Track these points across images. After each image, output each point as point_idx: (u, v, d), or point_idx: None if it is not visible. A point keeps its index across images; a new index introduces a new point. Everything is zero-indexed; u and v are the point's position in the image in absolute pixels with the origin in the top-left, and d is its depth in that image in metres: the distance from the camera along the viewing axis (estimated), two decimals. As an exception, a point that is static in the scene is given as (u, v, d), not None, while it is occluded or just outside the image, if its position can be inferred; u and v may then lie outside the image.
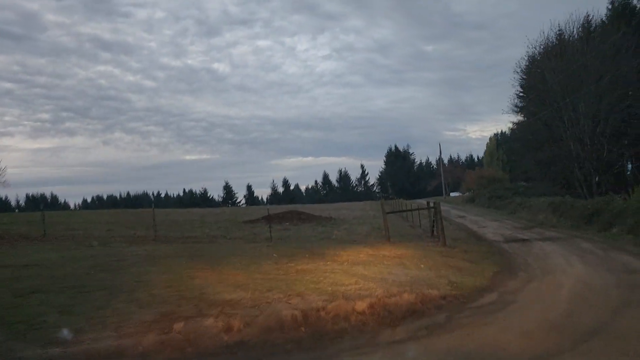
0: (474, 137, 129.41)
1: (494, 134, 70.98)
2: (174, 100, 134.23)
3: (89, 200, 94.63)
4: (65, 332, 5.76)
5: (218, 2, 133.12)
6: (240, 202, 77.82)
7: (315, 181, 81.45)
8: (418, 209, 21.14)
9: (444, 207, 43.98)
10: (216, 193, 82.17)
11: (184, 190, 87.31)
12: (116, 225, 23.53)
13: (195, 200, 77.06)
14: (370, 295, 7.88)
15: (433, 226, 18.11)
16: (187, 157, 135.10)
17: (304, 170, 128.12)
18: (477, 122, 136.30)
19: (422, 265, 11.58)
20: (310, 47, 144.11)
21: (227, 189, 79.53)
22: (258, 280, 8.45)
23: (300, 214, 25.37)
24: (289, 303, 7.00)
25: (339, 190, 75.87)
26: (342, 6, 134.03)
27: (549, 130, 35.98)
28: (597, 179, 33.18)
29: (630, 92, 31.65)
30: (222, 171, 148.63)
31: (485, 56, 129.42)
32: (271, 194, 79.80)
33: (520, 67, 37.59)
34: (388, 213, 18.35)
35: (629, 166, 35.62)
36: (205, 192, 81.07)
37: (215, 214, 32.68)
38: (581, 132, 33.56)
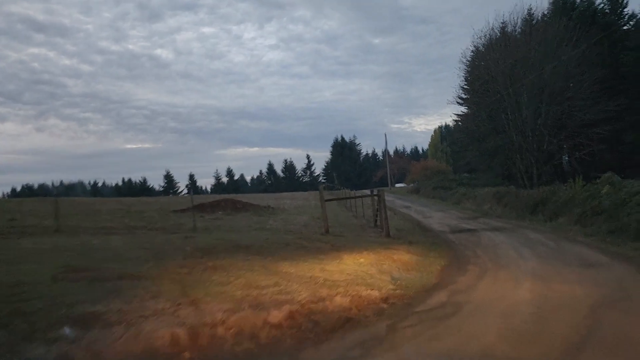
0: (419, 130, 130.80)
1: (439, 127, 71.31)
2: (113, 87, 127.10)
3: (18, 189, 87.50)
4: None
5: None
6: (181, 191, 74.42)
7: (260, 171, 79.16)
8: (362, 197, 19.58)
9: (388, 198, 43.03)
10: (157, 182, 78.34)
11: (123, 179, 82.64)
12: (25, 215, 20.56)
13: (133, 189, 72.90)
14: (291, 301, 6.08)
15: (376, 216, 16.59)
16: (128, 146, 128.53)
17: (250, 160, 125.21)
18: (423, 115, 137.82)
19: (361, 260, 9.92)
20: (257, 35, 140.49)
21: (168, 178, 75.90)
22: (148, 282, 6.44)
23: (236, 202, 23.31)
24: (176, 316, 5.07)
25: (284, 180, 73.90)
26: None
27: (492, 122, 35.58)
28: (537, 170, 33.02)
29: (570, 84, 31.51)
30: (166, 161, 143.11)
31: (431, 50, 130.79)
32: (215, 183, 76.90)
33: (465, 57, 36.95)
34: (327, 200, 16.66)
35: (566, 158, 35.86)
36: (144, 181, 77.08)
37: (146, 203, 29.91)
38: (523, 124, 33.27)
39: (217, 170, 79.91)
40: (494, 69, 34.19)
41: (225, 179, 77.29)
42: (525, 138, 33.28)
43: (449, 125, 68.47)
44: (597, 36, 32.28)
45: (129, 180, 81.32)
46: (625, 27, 35.69)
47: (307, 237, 13.01)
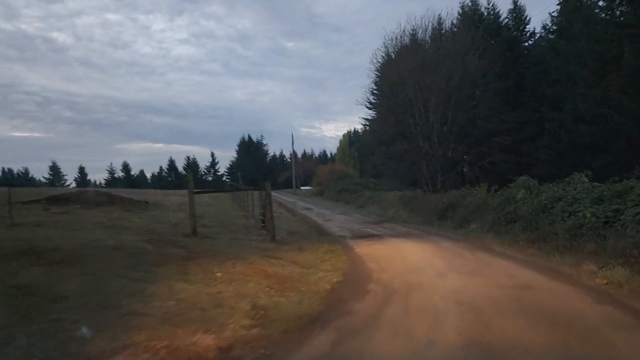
0: (328, 135, 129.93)
1: (347, 132, 70.01)
2: (1, 68, 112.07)
3: None
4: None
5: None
6: (69, 184, 66.18)
7: (161, 167, 72.81)
8: (239, 190, 16.26)
9: (291, 199, 40.22)
10: (43, 174, 69.26)
11: (3, 169, 72.21)
12: None
13: (13, 180, 63.53)
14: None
15: (264, 216, 13.41)
16: (15, 134, 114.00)
17: (154, 157, 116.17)
18: (333, 121, 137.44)
19: (218, 274, 6.65)
20: (167, 28, 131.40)
21: (55, 170, 67.14)
22: None
23: (104, 195, 19.01)
24: None
25: (186, 178, 68.18)
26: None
27: (400, 126, 34.01)
28: (441, 176, 31.87)
29: (477, 92, 30.73)
30: (59, 152, 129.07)
31: (343, 58, 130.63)
32: (109, 178, 69.39)
33: (376, 59, 35.06)
34: (197, 192, 13.22)
35: (467, 166, 35.29)
36: (26, 172, 67.66)
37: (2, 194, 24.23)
38: (430, 130, 31.98)
39: (111, 163, 72.25)
40: (403, 73, 32.70)
41: (121, 174, 70.23)
42: (431, 144, 32.01)
43: (357, 130, 67.42)
44: (501, 49, 31.96)
45: (10, 170, 71.23)
46: (526, 44, 35.98)
47: (164, 240, 9.47)
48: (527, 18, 35.94)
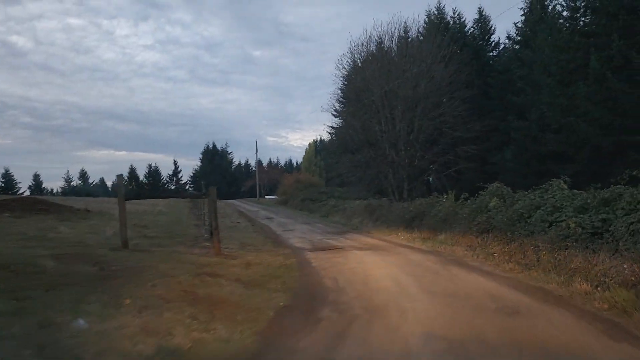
0: (295, 144, 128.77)
1: (314, 140, 68.75)
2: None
3: None
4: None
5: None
6: (23, 192, 62.30)
7: (121, 175, 68.86)
8: (178, 197, 14.57)
9: (253, 208, 38.46)
10: None
11: None
12: None
13: None
14: None
15: (211, 226, 11.83)
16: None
17: (116, 165, 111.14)
18: (299, 130, 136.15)
19: (128, 300, 5.09)
20: (131, 34, 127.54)
21: (7, 177, 63.07)
22: None
23: (39, 203, 16.98)
24: None
25: (147, 186, 65.59)
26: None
27: (365, 133, 32.99)
28: (407, 185, 30.93)
29: (444, 100, 30.02)
30: (16, 158, 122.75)
31: (310, 68, 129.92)
32: (65, 186, 65.77)
33: (342, 65, 33.98)
34: (128, 200, 11.53)
35: (431, 177, 34.53)
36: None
37: None
38: (396, 137, 31.08)
39: (68, 171, 68.64)
40: (370, 80, 31.79)
41: (78, 182, 66.73)
42: (397, 152, 31.09)
43: (324, 139, 66.29)
44: (467, 58, 31.50)
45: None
46: (491, 54, 35.78)
47: (80, 255, 7.81)
48: (492, 28, 35.75)
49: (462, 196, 13.73)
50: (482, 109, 31.66)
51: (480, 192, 13.01)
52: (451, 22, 35.56)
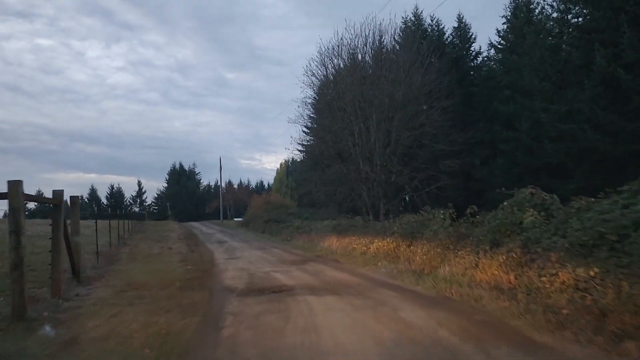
0: (269, 167, 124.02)
1: (285, 161, 64.12)
2: None
3: None
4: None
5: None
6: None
7: (81, 197, 62.99)
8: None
9: (210, 230, 33.17)
10: None
11: None
12: None
13: None
14: None
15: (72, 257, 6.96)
16: None
17: (85, 187, 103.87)
18: (273, 153, 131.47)
19: None
20: (103, 55, 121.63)
21: (-52, 198, 56.15)
22: None
23: None
24: None
25: (108, 207, 59.47)
26: (142, 18, 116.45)
27: (338, 146, 28.55)
28: (384, 204, 26.52)
29: (425, 107, 25.95)
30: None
31: (284, 91, 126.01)
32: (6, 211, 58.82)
33: (311, 70, 29.54)
34: None
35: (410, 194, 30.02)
36: None
37: None
38: (371, 151, 26.72)
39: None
40: (341, 87, 27.59)
41: (32, 205, 60.12)
42: (372, 167, 26.72)
43: (295, 160, 61.70)
44: (447, 67, 27.68)
45: None
46: (471, 64, 32.23)
47: None
48: (473, 36, 32.25)
49: (468, 211, 9.22)
50: (465, 120, 27.84)
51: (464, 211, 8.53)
52: (429, 30, 32.06)
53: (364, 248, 11.89)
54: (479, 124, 27.85)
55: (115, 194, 62.60)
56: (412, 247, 9.73)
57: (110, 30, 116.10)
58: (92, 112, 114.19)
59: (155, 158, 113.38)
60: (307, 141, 35.45)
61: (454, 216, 9.76)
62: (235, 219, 54.27)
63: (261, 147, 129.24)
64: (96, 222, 11.61)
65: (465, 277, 7.30)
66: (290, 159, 62.97)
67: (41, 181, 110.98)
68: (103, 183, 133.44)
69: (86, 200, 62.60)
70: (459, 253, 8.16)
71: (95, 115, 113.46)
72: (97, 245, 9.99)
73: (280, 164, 64.68)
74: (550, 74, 22.09)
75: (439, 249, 8.74)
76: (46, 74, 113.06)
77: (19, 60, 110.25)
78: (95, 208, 61.73)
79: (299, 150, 36.44)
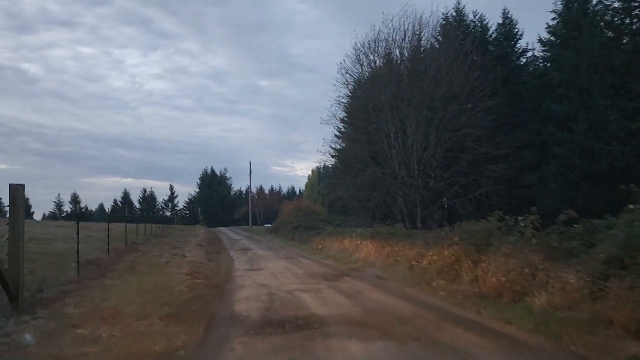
0: (301, 174, 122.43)
1: (317, 167, 62.00)
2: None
3: None
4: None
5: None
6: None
7: (115, 200, 62.98)
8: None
9: (237, 236, 31.17)
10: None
11: None
12: None
13: None
14: None
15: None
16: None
17: (122, 191, 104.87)
18: (305, 160, 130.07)
19: None
20: (141, 62, 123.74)
21: (-8, 198, 56.95)
22: None
23: None
24: None
25: (140, 211, 58.80)
26: (179, 27, 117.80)
27: (372, 149, 26.03)
28: (421, 211, 23.83)
29: (469, 105, 23.22)
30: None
31: (315, 98, 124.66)
32: (55, 210, 59.15)
33: (345, 69, 27.18)
34: None
35: (454, 201, 27.05)
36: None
37: None
38: (408, 154, 24.09)
39: (59, 195, 62.13)
40: (377, 85, 25.18)
41: (69, 207, 60.16)
42: (409, 171, 24.10)
43: (327, 166, 59.46)
44: (491, 65, 24.89)
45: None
46: (518, 62, 29.20)
47: None
48: (519, 32, 29.25)
49: (561, 218, 6.66)
50: (511, 121, 24.96)
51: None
52: (471, 26, 29.31)
53: (414, 262, 9.40)
54: (527, 125, 24.92)
55: (148, 198, 61.98)
56: (482, 264, 7.20)
57: (148, 38, 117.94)
58: (130, 118, 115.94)
59: (188, 163, 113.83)
60: (339, 145, 33.10)
61: (538, 224, 7.20)
62: (265, 225, 52.45)
63: (293, 153, 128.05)
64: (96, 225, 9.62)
65: (581, 312, 4.75)
66: (322, 165, 60.85)
67: (82, 185, 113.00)
68: (138, 187, 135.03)
69: (119, 203, 62.19)
70: (558, 276, 5.60)
71: (133, 121, 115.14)
72: (78, 252, 7.94)
73: (312, 170, 62.69)
74: (616, 66, 19.18)
75: (526, 269, 6.19)
76: (87, 81, 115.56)
77: (62, 67, 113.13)
78: (127, 211, 61.05)
79: (330, 155, 34.05)
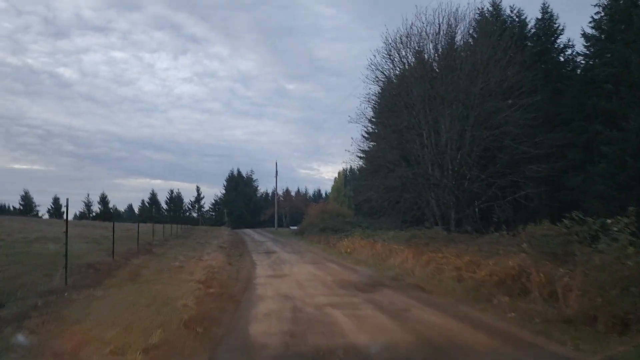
0: (327, 177, 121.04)
1: (343, 169, 60.42)
2: (5, 101, 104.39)
3: None
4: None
5: (71, 3, 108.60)
6: (42, 215, 56.52)
7: (143, 201, 62.90)
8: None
9: (262, 238, 29.89)
10: (46, 206, 59.88)
11: None
12: None
13: None
14: None
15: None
16: (16, 166, 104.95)
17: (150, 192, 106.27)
18: (331, 163, 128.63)
19: None
20: (171, 67, 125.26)
21: (26, 199, 57.38)
22: None
23: None
24: None
25: (167, 212, 58.38)
26: (208, 31, 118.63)
27: (403, 148, 24.26)
28: (455, 214, 21.97)
29: (509, 101, 21.30)
30: (58, 185, 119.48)
31: (341, 102, 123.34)
32: (84, 210, 59.45)
33: (375, 65, 25.55)
34: None
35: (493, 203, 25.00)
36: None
37: None
38: (441, 153, 22.27)
39: (88, 195, 62.49)
40: (409, 81, 23.46)
41: (98, 207, 60.33)
42: (443, 171, 22.27)
43: (354, 168, 57.80)
44: (530, 60, 22.87)
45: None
46: (558, 58, 26.88)
47: None
48: (560, 28, 26.96)
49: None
50: (552, 119, 22.83)
51: None
52: (508, 21, 27.26)
53: (469, 273, 7.71)
54: (570, 123, 22.73)
55: (175, 199, 61.62)
56: (564, 279, 5.51)
57: (177, 43, 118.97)
58: (160, 120, 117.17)
59: (215, 166, 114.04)
60: (367, 147, 31.43)
61: (635, 229, 5.46)
62: (291, 227, 51.22)
63: (319, 157, 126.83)
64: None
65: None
66: (348, 168, 59.27)
67: (112, 186, 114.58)
68: (166, 189, 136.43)
69: (147, 204, 62.05)
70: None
71: (162, 123, 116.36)
72: (66, 255, 6.62)
73: (338, 173, 61.15)
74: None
75: (633, 287, 4.49)
76: (119, 85, 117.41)
77: (95, 71, 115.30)
78: (155, 211, 60.90)
79: (358, 157, 32.33)
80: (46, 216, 58.54)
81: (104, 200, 59.72)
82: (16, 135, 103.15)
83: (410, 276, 9.61)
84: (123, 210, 69.28)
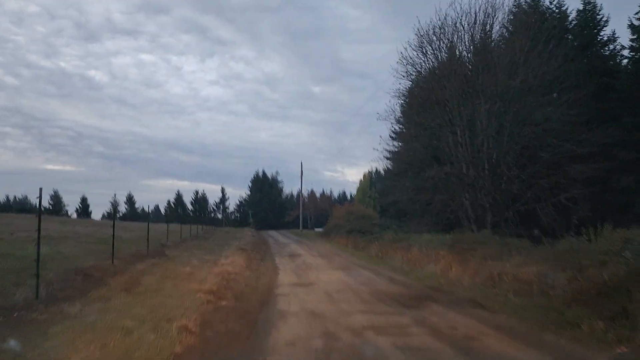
0: (351, 179, 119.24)
1: (368, 172, 58.69)
2: (38, 103, 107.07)
3: None
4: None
5: (102, 7, 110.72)
6: (70, 214, 56.95)
7: (168, 201, 62.74)
8: None
9: (287, 240, 28.49)
10: (75, 206, 60.95)
11: (7, 197, 64.80)
12: None
13: (6, 207, 55.60)
14: None
15: None
16: (48, 167, 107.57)
17: (175, 193, 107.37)
18: (355, 166, 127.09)
19: None
20: (198, 69, 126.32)
21: (56, 199, 57.89)
22: None
23: None
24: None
25: (193, 213, 57.90)
26: (234, 34, 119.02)
27: (434, 147, 22.48)
28: (492, 216, 20.06)
29: (554, 95, 19.32)
30: (87, 185, 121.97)
31: (366, 104, 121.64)
32: (111, 210, 59.64)
33: (406, 58, 23.85)
34: None
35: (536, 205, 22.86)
36: (25, 199, 59.14)
37: None
38: (477, 151, 20.40)
39: (114, 195, 62.83)
40: (443, 75, 21.70)
41: (124, 207, 60.37)
42: (479, 170, 20.40)
43: (379, 170, 55.98)
44: (573, 54, 20.82)
45: (7, 197, 63.69)
46: (603, 51, 24.57)
47: None
48: (604, 19, 24.68)
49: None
50: (598, 116, 20.66)
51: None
52: (548, 13, 25.17)
53: (536, 286, 6.04)
54: (620, 120, 20.51)
55: (200, 200, 61.10)
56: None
57: (204, 45, 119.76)
58: (187, 122, 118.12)
59: (240, 167, 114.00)
60: (395, 147, 29.70)
61: None
62: (316, 229, 49.80)
63: (343, 159, 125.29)
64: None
65: None
66: (374, 169, 57.51)
67: (140, 187, 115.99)
68: (193, 190, 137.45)
69: (172, 205, 61.76)
70: None
71: (189, 125, 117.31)
72: (38, 261, 5.30)
73: (364, 174, 59.47)
74: None
75: None
76: (147, 87, 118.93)
77: (124, 74, 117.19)
78: (180, 212, 60.51)
79: (385, 157, 30.59)
80: (74, 215, 59.19)
81: (130, 200, 59.73)
82: (49, 136, 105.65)
83: (456, 286, 7.99)
84: (150, 211, 69.48)
